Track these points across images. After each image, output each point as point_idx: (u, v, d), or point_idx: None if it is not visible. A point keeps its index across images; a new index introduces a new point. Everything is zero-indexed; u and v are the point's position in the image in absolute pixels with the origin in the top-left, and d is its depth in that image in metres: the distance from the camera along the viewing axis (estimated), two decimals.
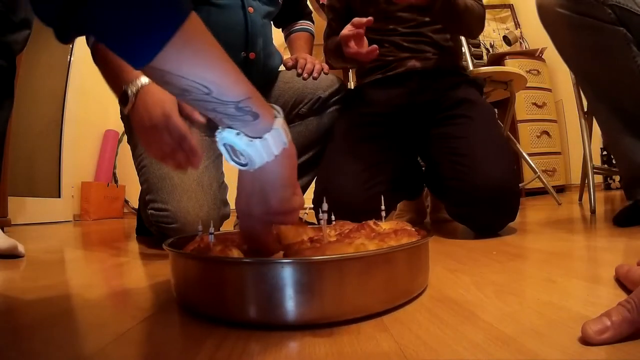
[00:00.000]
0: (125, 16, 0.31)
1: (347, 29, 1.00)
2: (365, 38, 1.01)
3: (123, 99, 0.72)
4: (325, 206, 0.48)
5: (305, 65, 1.14)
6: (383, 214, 0.63)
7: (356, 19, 0.98)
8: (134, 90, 0.70)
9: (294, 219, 0.47)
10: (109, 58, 0.75)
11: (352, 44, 1.00)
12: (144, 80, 0.71)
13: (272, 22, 1.21)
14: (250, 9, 1.04)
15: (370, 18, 0.97)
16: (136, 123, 0.68)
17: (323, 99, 1.13)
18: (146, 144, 0.66)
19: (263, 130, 0.40)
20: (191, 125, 1.00)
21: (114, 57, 0.74)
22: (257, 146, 0.40)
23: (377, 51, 0.99)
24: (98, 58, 0.79)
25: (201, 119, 0.70)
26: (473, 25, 1.09)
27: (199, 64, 0.36)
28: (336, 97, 1.15)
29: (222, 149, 0.42)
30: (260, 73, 1.10)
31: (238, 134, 0.40)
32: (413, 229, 0.54)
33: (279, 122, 0.42)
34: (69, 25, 0.32)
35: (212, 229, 0.48)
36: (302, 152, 1.13)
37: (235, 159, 0.42)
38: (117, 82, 0.74)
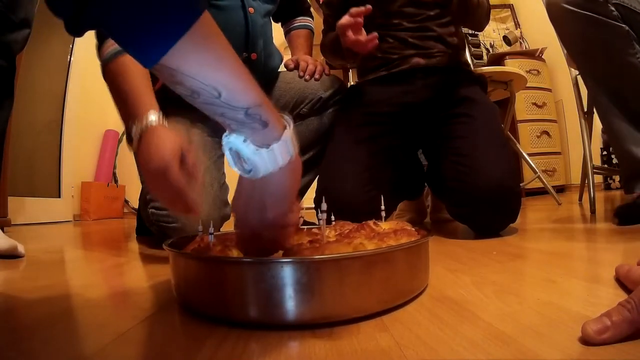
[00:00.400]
0: (138, 10, 0.31)
1: (345, 19, 0.99)
2: (363, 30, 0.99)
3: (128, 136, 0.69)
4: (324, 206, 0.48)
5: (307, 67, 1.15)
6: (383, 214, 0.63)
7: (354, 9, 0.97)
8: (139, 130, 0.66)
9: (286, 235, 0.46)
10: (121, 82, 0.73)
11: (350, 32, 0.98)
12: (151, 117, 0.67)
13: (271, 20, 1.22)
14: (251, 9, 1.04)
15: (368, 7, 0.96)
16: (139, 162, 0.65)
17: (324, 99, 1.13)
18: (148, 185, 0.64)
19: (271, 140, 0.39)
20: (193, 125, 0.99)
21: (126, 82, 0.72)
22: (263, 155, 0.39)
23: (377, 40, 0.98)
24: (108, 77, 0.77)
25: (200, 177, 0.63)
26: (483, 19, 1.12)
27: (211, 65, 0.35)
28: (337, 98, 1.15)
29: (227, 154, 0.41)
30: (261, 73, 1.10)
31: (245, 140, 0.39)
32: (413, 229, 0.54)
33: (288, 132, 0.41)
34: (80, 18, 0.32)
35: (211, 229, 0.48)
36: (303, 151, 1.14)
37: (240, 165, 0.41)
38: (124, 112, 0.71)
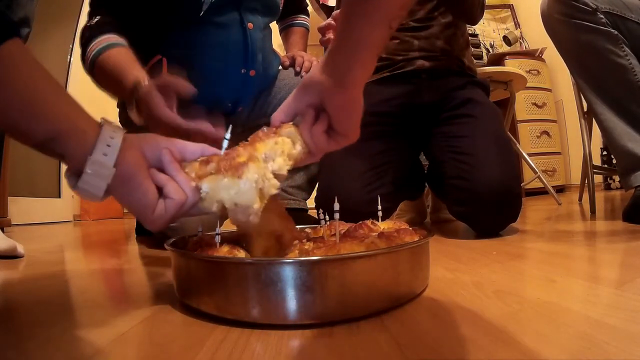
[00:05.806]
0: None
1: (327, 21, 0.98)
2: None
3: (129, 105, 0.73)
4: (337, 206, 0.48)
5: (302, 63, 1.16)
6: (380, 214, 0.63)
7: (336, 12, 0.96)
8: (134, 98, 0.71)
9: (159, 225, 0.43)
10: (110, 67, 0.76)
11: (330, 34, 0.96)
12: (141, 83, 0.72)
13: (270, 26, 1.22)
14: (250, 25, 1.02)
15: None
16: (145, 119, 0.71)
17: None
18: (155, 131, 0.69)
19: (73, 171, 0.38)
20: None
21: (115, 65, 0.75)
22: (79, 182, 0.38)
23: None
24: (98, 72, 0.80)
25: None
26: (475, 8, 1.11)
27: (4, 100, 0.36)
28: None
29: None
30: (260, 84, 1.11)
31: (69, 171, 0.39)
32: (410, 229, 0.54)
33: (92, 161, 0.37)
34: None
35: (218, 229, 0.48)
36: None
37: None
38: (118, 88, 0.76)
